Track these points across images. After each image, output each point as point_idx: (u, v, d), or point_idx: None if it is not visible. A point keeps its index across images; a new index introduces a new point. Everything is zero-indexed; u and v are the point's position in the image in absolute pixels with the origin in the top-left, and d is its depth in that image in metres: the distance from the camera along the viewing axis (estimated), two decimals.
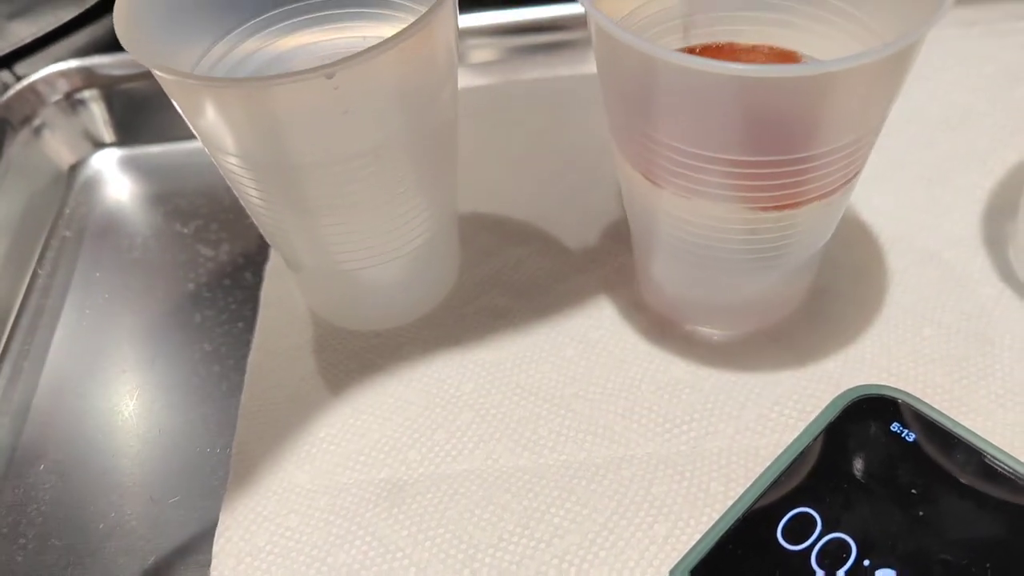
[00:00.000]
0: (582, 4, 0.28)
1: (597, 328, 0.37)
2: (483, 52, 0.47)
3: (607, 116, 0.32)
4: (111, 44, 0.41)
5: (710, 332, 0.36)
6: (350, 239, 0.33)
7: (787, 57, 0.33)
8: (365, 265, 0.35)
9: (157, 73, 0.28)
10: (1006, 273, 0.37)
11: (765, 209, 0.30)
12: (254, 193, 0.32)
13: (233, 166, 0.31)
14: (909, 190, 0.40)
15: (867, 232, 0.39)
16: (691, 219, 0.31)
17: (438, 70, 0.31)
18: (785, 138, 0.27)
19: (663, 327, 0.37)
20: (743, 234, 0.31)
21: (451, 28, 0.31)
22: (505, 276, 0.39)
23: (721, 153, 0.28)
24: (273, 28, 0.35)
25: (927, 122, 0.43)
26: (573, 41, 0.47)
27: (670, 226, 0.32)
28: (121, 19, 0.30)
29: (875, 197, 0.40)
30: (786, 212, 0.30)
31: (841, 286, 0.37)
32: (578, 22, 0.47)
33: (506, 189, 0.43)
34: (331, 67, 0.27)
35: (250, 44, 0.35)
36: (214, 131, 0.30)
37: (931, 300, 0.36)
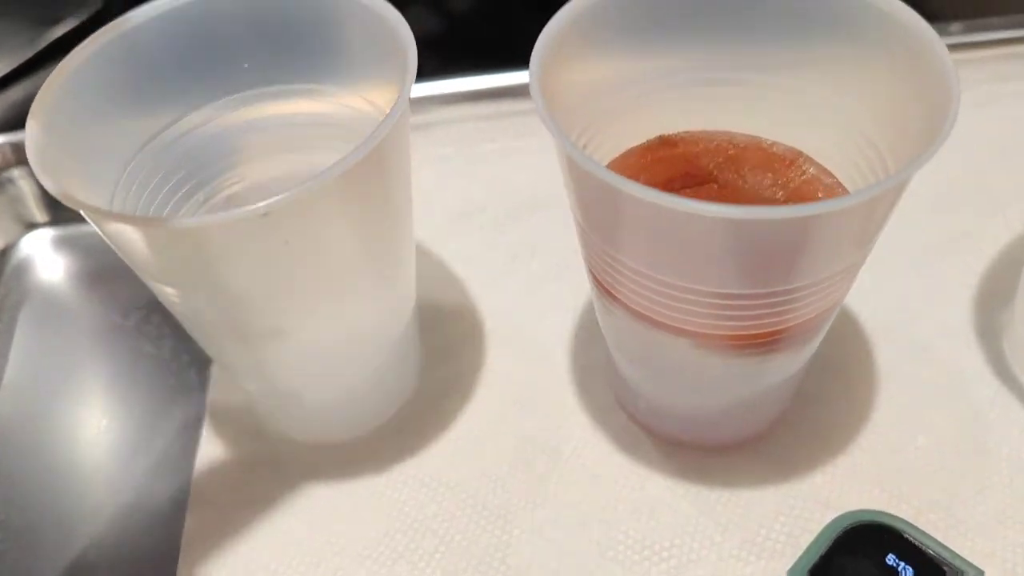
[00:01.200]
0: (538, 111, 0.26)
1: (568, 439, 0.34)
2: (437, 125, 0.44)
3: (573, 217, 0.29)
4: None
5: (688, 443, 0.34)
6: (297, 365, 0.31)
7: (785, 161, 0.31)
8: (314, 390, 0.32)
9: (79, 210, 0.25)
10: (1001, 369, 0.35)
11: (739, 339, 0.28)
12: (189, 319, 0.29)
13: (166, 294, 0.28)
14: (896, 276, 0.38)
15: (853, 323, 0.37)
16: (657, 341, 0.29)
17: (389, 179, 0.28)
18: (767, 272, 0.25)
19: (638, 437, 0.34)
20: (718, 357, 0.29)
21: (404, 133, 0.28)
22: (467, 379, 0.36)
23: (693, 284, 0.26)
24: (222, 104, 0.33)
25: (912, 203, 0.41)
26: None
27: (637, 344, 0.30)
28: (34, 141, 0.27)
29: (860, 284, 0.38)
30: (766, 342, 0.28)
31: (827, 387, 0.35)
32: None
33: (466, 277, 0.40)
34: (267, 204, 0.24)
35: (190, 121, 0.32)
36: (142, 263, 0.27)
37: (923, 402, 0.34)
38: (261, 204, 0.24)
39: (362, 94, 0.32)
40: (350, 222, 0.27)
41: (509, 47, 0.56)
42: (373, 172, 0.27)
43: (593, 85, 0.30)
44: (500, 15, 0.55)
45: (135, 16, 0.30)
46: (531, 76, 0.26)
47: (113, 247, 0.27)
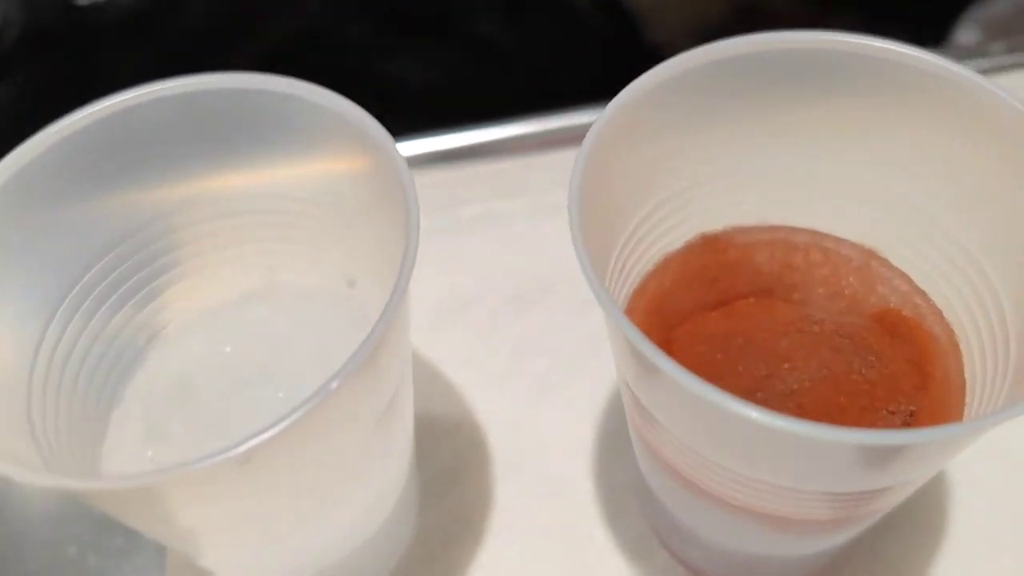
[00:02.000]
0: (583, 267, 0.20)
1: None
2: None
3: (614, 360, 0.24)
4: None
5: None
6: (277, 565, 0.25)
7: (854, 266, 0.26)
8: (302, 571, 0.27)
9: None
10: None
11: (815, 524, 0.23)
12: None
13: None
14: None
15: None
16: (711, 510, 0.24)
17: (391, 356, 0.22)
18: (866, 475, 0.20)
19: None
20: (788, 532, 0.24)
21: (406, 299, 0.22)
22: (472, 515, 0.31)
23: (765, 476, 0.21)
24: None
25: None
26: (539, 164, 0.38)
27: (687, 505, 0.25)
28: None
29: None
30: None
31: None
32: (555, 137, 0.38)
33: (461, 384, 0.34)
34: (248, 449, 0.18)
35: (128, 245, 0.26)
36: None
37: (1002, 510, 0.30)
38: (242, 448, 0.18)
39: (311, 189, 0.27)
40: (349, 425, 0.21)
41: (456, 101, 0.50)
42: (370, 363, 0.21)
43: (628, 191, 0.25)
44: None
45: (56, 130, 0.24)
46: (570, 214, 0.21)
47: None
